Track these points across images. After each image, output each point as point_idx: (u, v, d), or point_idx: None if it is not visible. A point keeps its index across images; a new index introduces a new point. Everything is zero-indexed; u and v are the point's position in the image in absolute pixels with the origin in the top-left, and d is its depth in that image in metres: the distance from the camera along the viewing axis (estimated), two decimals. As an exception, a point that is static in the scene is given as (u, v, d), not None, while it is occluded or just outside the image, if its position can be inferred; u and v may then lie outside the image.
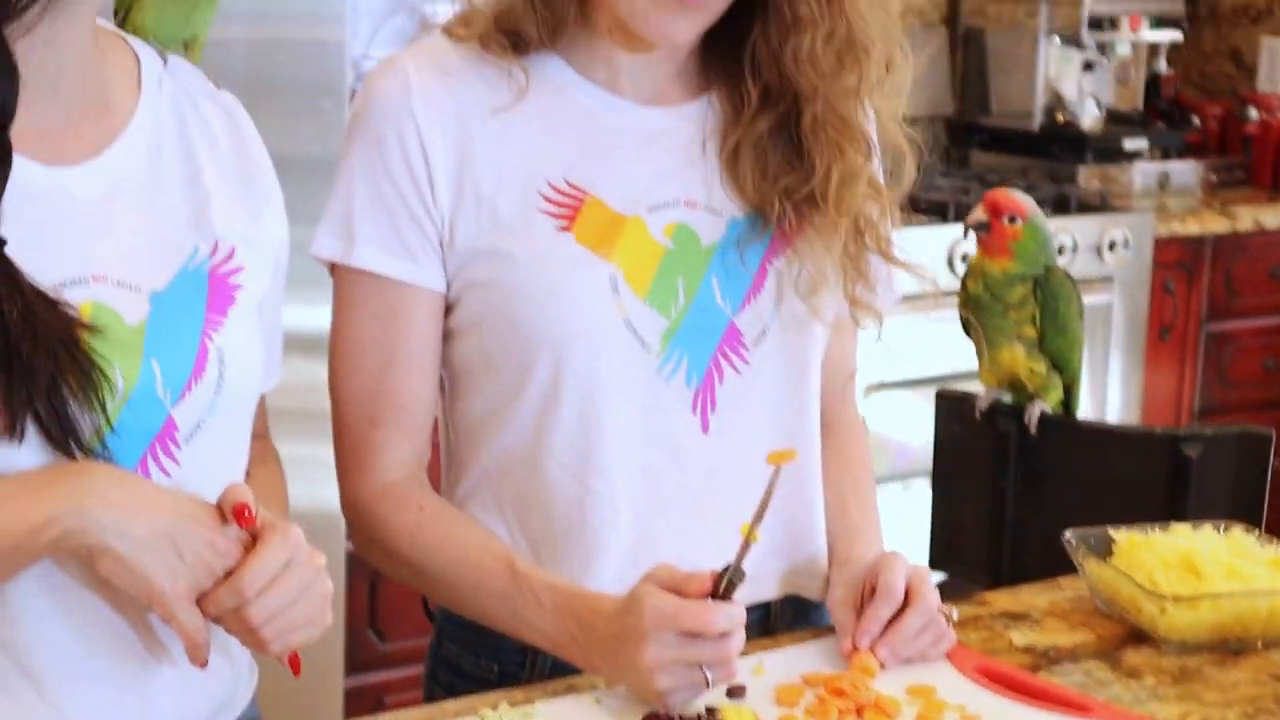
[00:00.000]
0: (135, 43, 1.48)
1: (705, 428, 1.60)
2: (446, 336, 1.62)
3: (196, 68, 1.51)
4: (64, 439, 1.28)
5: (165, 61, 1.47)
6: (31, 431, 1.27)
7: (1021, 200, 2.07)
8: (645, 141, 1.61)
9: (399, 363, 1.60)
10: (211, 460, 1.40)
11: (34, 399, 1.26)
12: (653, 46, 1.59)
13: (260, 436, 1.57)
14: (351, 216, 1.58)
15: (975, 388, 2.19)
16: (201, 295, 1.40)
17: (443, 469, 1.70)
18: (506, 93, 1.59)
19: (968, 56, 4.61)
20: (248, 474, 1.50)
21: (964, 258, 3.53)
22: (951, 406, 2.25)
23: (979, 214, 2.09)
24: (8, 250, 1.28)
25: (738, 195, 1.62)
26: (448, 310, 1.61)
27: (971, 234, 2.09)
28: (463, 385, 1.63)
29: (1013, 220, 2.06)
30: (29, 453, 1.28)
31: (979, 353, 2.12)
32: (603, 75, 1.62)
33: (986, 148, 4.53)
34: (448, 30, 1.63)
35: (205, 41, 1.55)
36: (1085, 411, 4.03)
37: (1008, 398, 2.16)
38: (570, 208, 1.58)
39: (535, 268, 1.55)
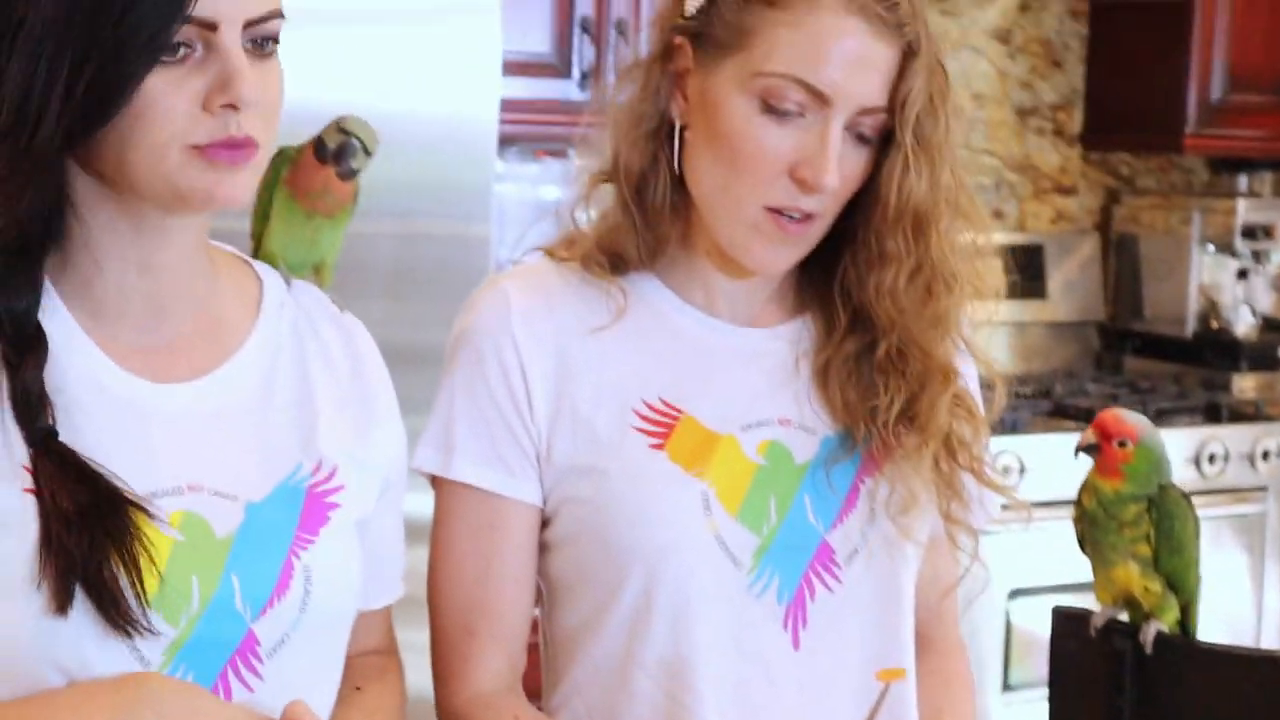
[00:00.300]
0: (261, 268, 1.54)
1: (796, 644, 1.61)
2: (543, 549, 1.65)
3: (323, 291, 1.58)
4: (113, 613, 1.30)
5: (289, 285, 1.54)
6: (80, 608, 1.30)
7: (1132, 423, 2.07)
8: (740, 361, 1.65)
9: (495, 574, 1.63)
10: (297, 677, 1.42)
11: (74, 574, 1.29)
12: (751, 273, 1.63)
13: (383, 652, 1.61)
14: (451, 431, 1.63)
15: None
16: (296, 511, 1.43)
17: (542, 679, 1.73)
18: (605, 313, 1.64)
19: (1121, 262, 4.61)
20: (358, 689, 1.53)
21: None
22: (1067, 622, 2.23)
23: (1089, 437, 2.08)
24: (104, 457, 1.34)
25: (829, 414, 1.65)
26: (545, 524, 1.64)
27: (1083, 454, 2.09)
28: (558, 597, 1.66)
29: (1123, 444, 2.05)
30: (81, 626, 1.31)
31: (1094, 569, 2.10)
32: (700, 297, 1.66)
33: (1139, 353, 4.51)
34: (550, 252, 1.69)
35: (334, 265, 1.62)
36: (1243, 623, 3.97)
37: (1124, 615, 2.13)
38: (665, 426, 1.61)
39: (628, 485, 1.59)
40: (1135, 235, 4.60)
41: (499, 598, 1.64)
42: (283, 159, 1.58)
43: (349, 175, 1.59)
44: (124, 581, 1.31)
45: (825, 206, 1.59)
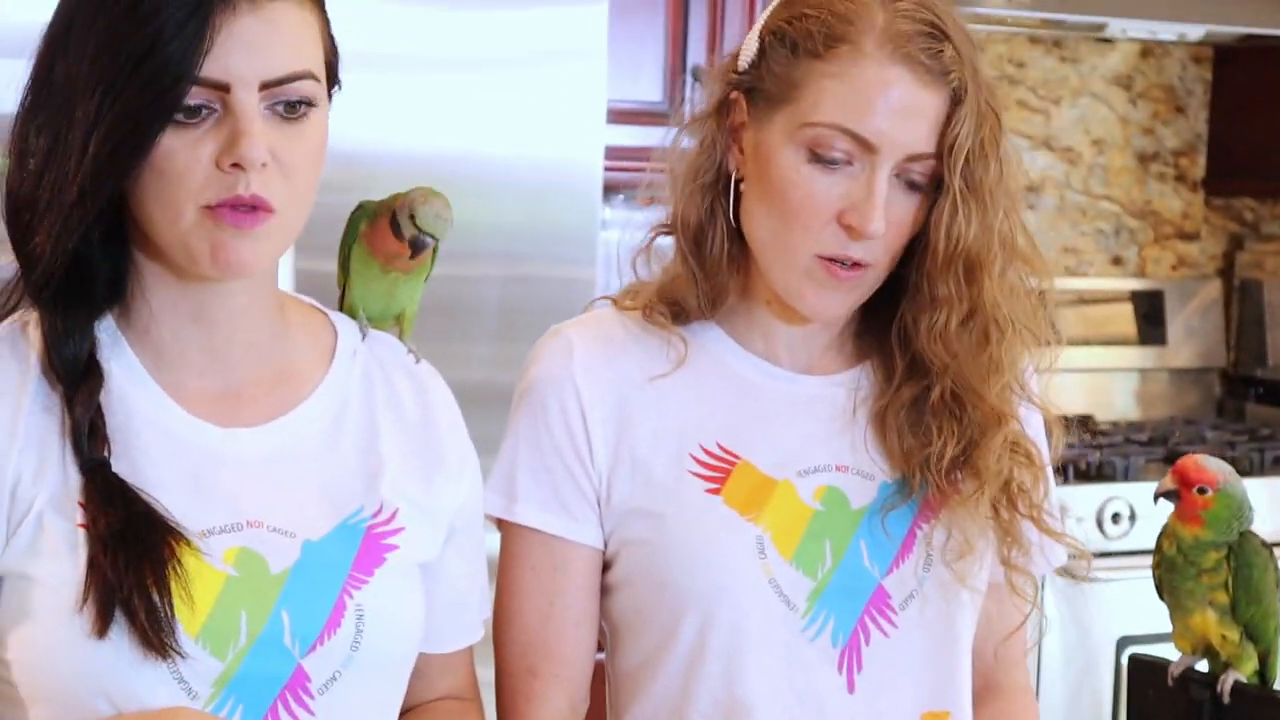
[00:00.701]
0: (337, 318, 1.60)
1: (851, 688, 1.64)
2: (605, 591, 1.69)
3: (399, 342, 1.63)
4: (151, 638, 1.35)
5: (364, 335, 1.59)
6: (119, 631, 1.35)
7: (1213, 469, 2.06)
8: (798, 407, 1.68)
9: (557, 615, 1.67)
10: (349, 715, 1.46)
11: (116, 597, 1.35)
12: (808, 320, 1.66)
13: (463, 697, 1.65)
14: (515, 475, 1.67)
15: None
16: (352, 551, 1.48)
17: (606, 718, 1.76)
18: (665, 361, 1.68)
19: (1244, 308, 4.57)
20: None
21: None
22: (1145, 671, 2.23)
23: (1168, 483, 2.08)
24: (161, 494, 1.41)
25: (886, 460, 1.67)
26: (606, 566, 1.68)
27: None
28: (619, 638, 1.70)
29: (1203, 491, 2.05)
30: (120, 651, 1.36)
31: (1171, 617, 2.10)
32: (760, 344, 1.70)
33: (1262, 400, 4.46)
34: (616, 301, 1.74)
35: (414, 315, 1.67)
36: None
37: (1203, 664, 2.13)
38: (721, 471, 1.65)
39: (684, 528, 1.62)
40: (1259, 281, 4.56)
41: (560, 638, 1.68)
42: (362, 213, 1.63)
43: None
44: (159, 604, 1.36)
45: (876, 254, 1.61)
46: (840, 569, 1.63)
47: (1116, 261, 4.47)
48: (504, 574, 1.71)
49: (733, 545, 1.62)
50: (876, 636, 1.64)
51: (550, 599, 1.68)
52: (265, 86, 1.38)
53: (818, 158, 1.58)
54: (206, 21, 1.34)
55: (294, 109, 1.40)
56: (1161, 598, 2.12)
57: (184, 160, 1.36)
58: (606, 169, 3.03)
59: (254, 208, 1.38)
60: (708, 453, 1.65)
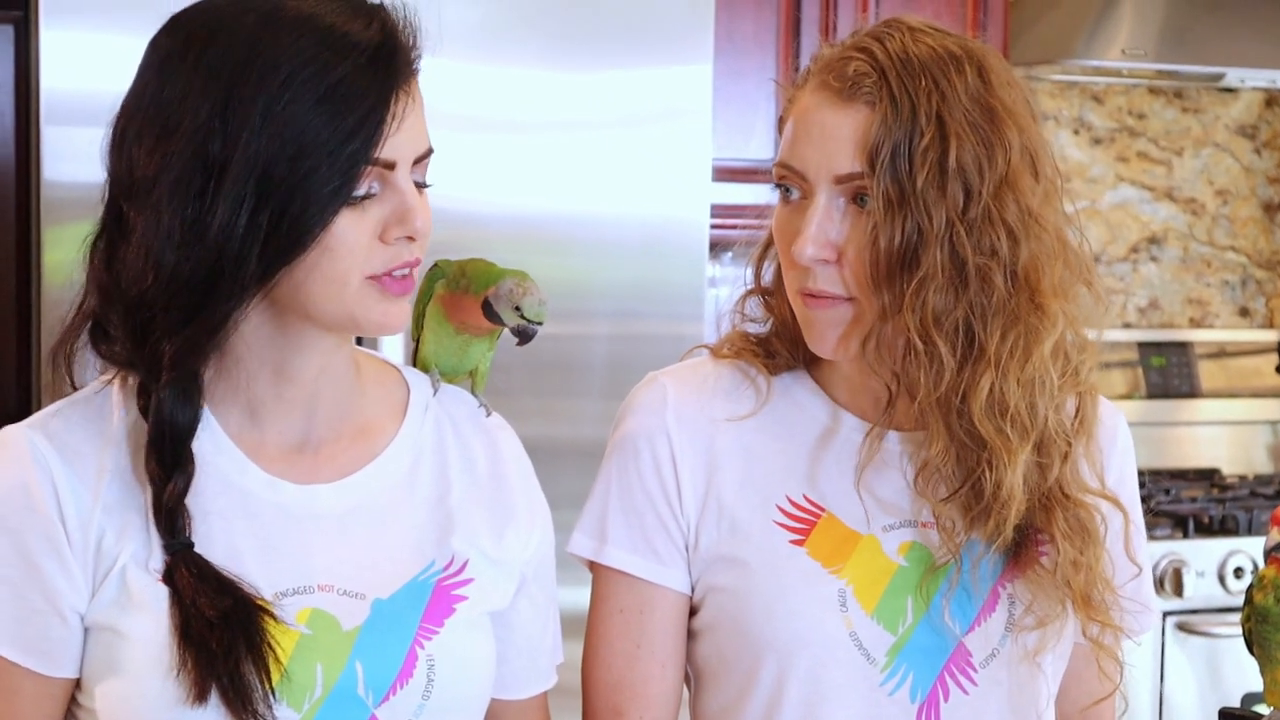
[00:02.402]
0: (411, 375, 1.64)
1: None
2: (690, 636, 1.70)
3: (470, 396, 1.66)
4: (240, 708, 1.40)
5: (436, 391, 1.63)
6: (214, 699, 1.40)
7: (1318, 512, 2.04)
8: (883, 462, 1.68)
9: (643, 655, 1.69)
10: None
11: (213, 673, 1.40)
12: (884, 378, 1.64)
13: None
14: (606, 518, 1.69)
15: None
16: (422, 605, 1.51)
17: (693, 763, 1.78)
18: (755, 408, 1.70)
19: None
20: None
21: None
22: (1241, 727, 2.21)
23: (1275, 536, 2.06)
24: (237, 558, 1.45)
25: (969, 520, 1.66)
26: (692, 612, 1.70)
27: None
28: (701, 683, 1.71)
29: (1314, 541, 2.03)
30: (211, 713, 1.40)
31: (1261, 670, 2.07)
32: (846, 398, 1.70)
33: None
34: (713, 350, 1.76)
35: (487, 372, 1.71)
36: None
37: (1301, 721, 2.10)
38: (806, 524, 1.66)
39: (767, 578, 1.63)
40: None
41: (647, 680, 1.69)
42: (438, 273, 1.67)
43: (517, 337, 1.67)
44: (254, 680, 1.41)
45: (845, 283, 1.59)
46: (921, 625, 1.63)
47: (1244, 313, 4.42)
48: (593, 615, 1.73)
49: (815, 597, 1.63)
50: (956, 694, 1.64)
51: (637, 641, 1.69)
52: (416, 161, 1.47)
53: (783, 196, 1.62)
54: (390, 109, 1.42)
55: (421, 188, 1.48)
56: (1251, 651, 2.09)
57: (354, 236, 1.42)
58: (714, 226, 3.06)
59: (410, 272, 1.47)
60: (793, 504, 1.67)
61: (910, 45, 1.58)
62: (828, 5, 3.49)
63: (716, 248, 3.08)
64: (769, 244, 1.70)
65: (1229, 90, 4.31)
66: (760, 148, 3.43)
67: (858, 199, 1.58)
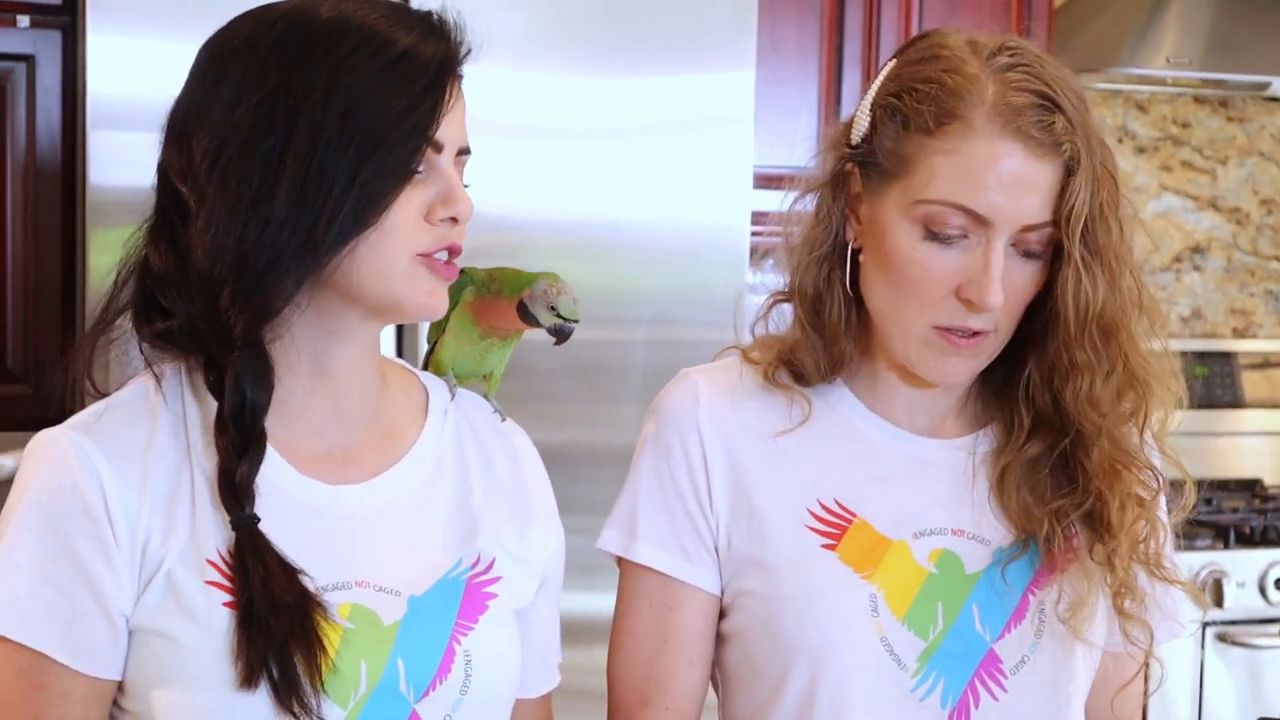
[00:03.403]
0: (427, 379, 1.66)
1: None
2: (720, 640, 1.71)
3: (485, 401, 1.69)
4: (289, 697, 1.41)
5: (453, 395, 1.66)
6: (264, 685, 1.41)
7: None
8: (917, 469, 1.69)
9: (670, 652, 1.70)
10: None
11: (268, 656, 1.41)
12: (930, 384, 1.68)
13: None
14: (636, 515, 1.71)
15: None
16: (456, 601, 1.53)
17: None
18: (788, 419, 1.70)
19: None
20: None
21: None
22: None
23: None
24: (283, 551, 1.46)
25: (1005, 521, 1.67)
26: (721, 614, 1.71)
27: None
28: (731, 687, 1.72)
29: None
30: (259, 704, 1.42)
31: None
32: (881, 406, 1.71)
33: None
34: (745, 353, 1.76)
35: (501, 376, 1.73)
36: None
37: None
38: (838, 528, 1.66)
39: (798, 582, 1.64)
40: None
41: (674, 674, 1.70)
42: (465, 280, 1.68)
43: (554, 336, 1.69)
44: (303, 672, 1.42)
45: (997, 322, 1.62)
46: (952, 632, 1.64)
47: (1287, 322, 4.40)
48: (620, 609, 1.74)
49: (846, 602, 1.63)
50: (986, 700, 1.65)
51: (664, 636, 1.70)
52: (460, 152, 1.51)
53: (933, 234, 1.59)
54: (446, 88, 1.47)
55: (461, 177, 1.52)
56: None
57: (404, 214, 1.46)
58: (754, 234, 3.06)
59: (453, 257, 1.50)
60: (825, 508, 1.67)
61: (1076, 93, 1.61)
62: (871, 12, 3.49)
63: (757, 254, 3.08)
64: (801, 250, 1.70)
65: (1274, 100, 4.29)
66: (803, 155, 3.41)
67: (1019, 245, 1.60)
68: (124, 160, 2.71)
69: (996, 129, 1.57)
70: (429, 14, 1.51)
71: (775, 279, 3.21)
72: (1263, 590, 3.62)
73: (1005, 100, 1.58)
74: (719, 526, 1.69)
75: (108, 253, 2.75)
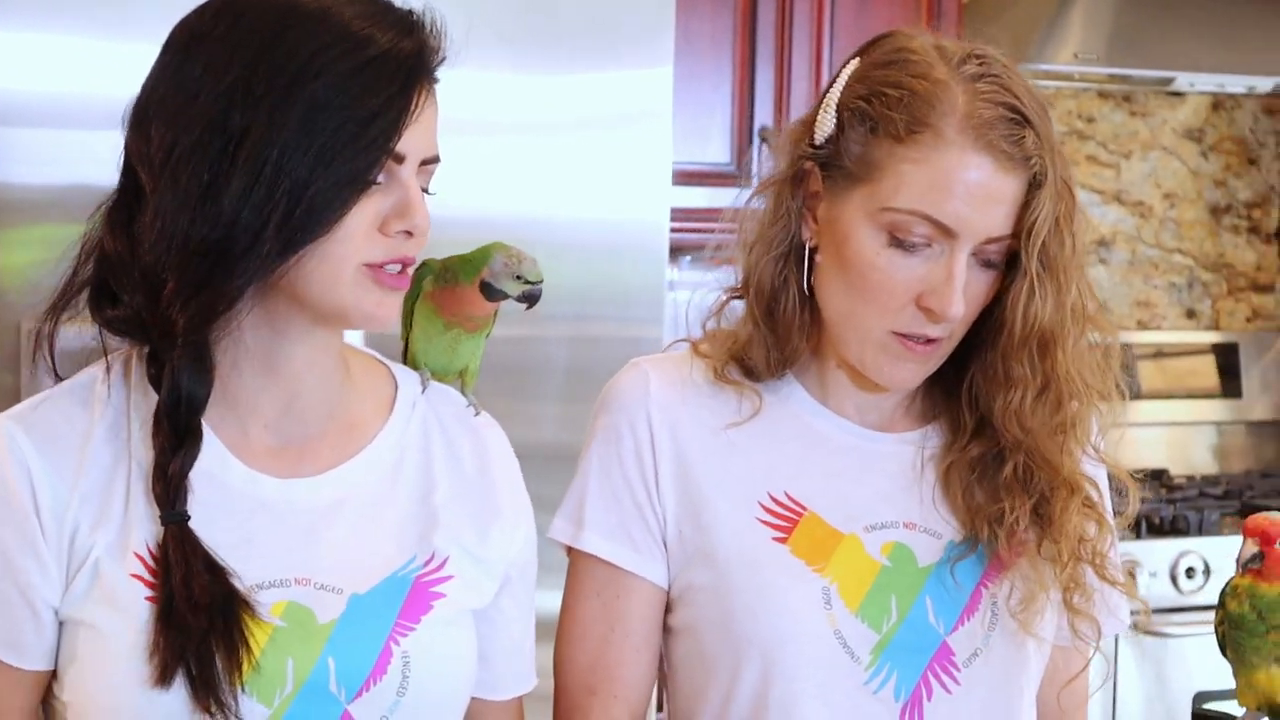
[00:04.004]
0: (398, 370, 1.63)
1: None
2: (666, 633, 1.71)
3: (459, 395, 1.66)
4: (205, 696, 1.40)
5: (425, 388, 1.63)
6: (180, 682, 1.40)
7: (1288, 518, 2.06)
8: (867, 464, 1.69)
9: (616, 640, 1.69)
10: None
11: (185, 654, 1.39)
12: (881, 388, 1.68)
13: None
14: (584, 503, 1.70)
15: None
16: (399, 601, 1.51)
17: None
18: (738, 413, 1.69)
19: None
20: None
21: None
22: (1213, 727, 2.22)
23: (1251, 548, 2.07)
24: (221, 549, 1.44)
25: (954, 518, 1.68)
26: (669, 608, 1.70)
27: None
28: (679, 681, 1.72)
29: (1285, 542, 2.04)
30: (175, 701, 1.40)
31: (1235, 673, 2.09)
32: (833, 401, 1.71)
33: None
34: (695, 346, 1.75)
35: (477, 371, 1.71)
36: None
37: (1268, 720, 2.12)
38: (788, 521, 1.66)
39: (749, 574, 1.63)
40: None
41: (621, 662, 1.69)
42: (426, 271, 1.67)
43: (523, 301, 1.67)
44: (221, 670, 1.40)
45: (953, 330, 1.63)
46: (905, 624, 1.64)
47: (1190, 315, 4.45)
48: (568, 598, 1.73)
49: (798, 594, 1.63)
50: (939, 693, 1.65)
51: (611, 625, 1.70)
52: (424, 163, 1.48)
53: (898, 241, 1.59)
54: (413, 98, 1.43)
55: (426, 189, 1.49)
56: (1224, 655, 2.11)
57: (354, 223, 1.42)
58: (673, 230, 3.05)
59: (404, 268, 1.47)
60: (776, 501, 1.67)
61: (1041, 105, 1.60)
62: (783, 8, 3.49)
63: (675, 251, 3.07)
64: (757, 247, 1.69)
65: (1176, 94, 4.34)
66: (718, 151, 3.43)
67: (979, 255, 1.59)
68: (29, 158, 2.64)
69: (968, 140, 1.56)
70: (409, 14, 1.47)
71: (695, 275, 3.20)
72: (1174, 579, 3.66)
73: (976, 112, 1.57)
74: (666, 518, 1.68)
75: (15, 251, 2.69)
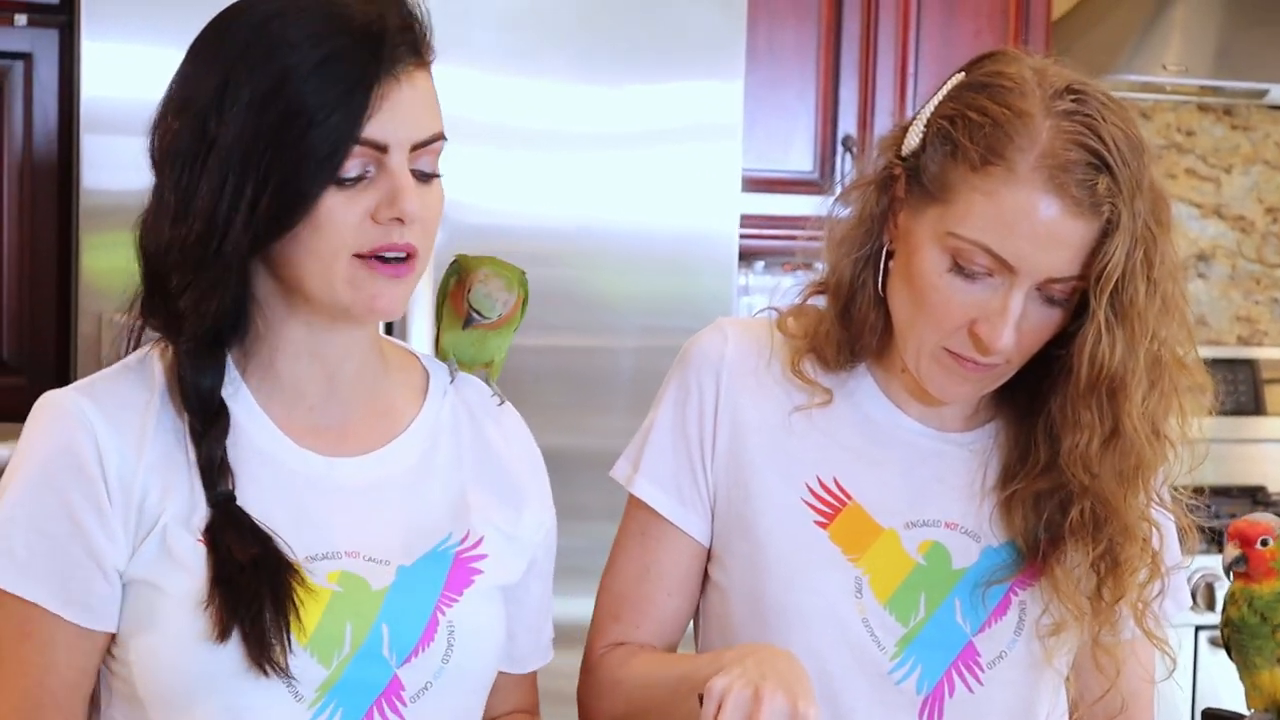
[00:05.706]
0: (429, 362, 1.69)
1: None
2: (706, 580, 1.75)
3: (484, 385, 1.71)
4: (258, 653, 1.45)
5: (453, 379, 1.68)
6: (235, 639, 1.45)
7: (1267, 521, 2.05)
8: (918, 460, 1.71)
9: (650, 580, 1.75)
10: None
11: (239, 610, 1.45)
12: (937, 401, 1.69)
13: (527, 710, 1.73)
14: (644, 449, 1.74)
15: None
16: (443, 574, 1.57)
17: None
18: (804, 400, 1.71)
19: None
20: None
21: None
22: (1220, 726, 2.21)
23: (1232, 550, 2.07)
24: (273, 523, 1.51)
25: (1000, 527, 1.68)
26: (710, 560, 1.74)
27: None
28: (709, 633, 1.76)
29: (1265, 543, 2.04)
30: (230, 658, 1.46)
31: (1240, 675, 2.09)
32: (897, 398, 1.72)
33: None
34: (781, 318, 1.77)
35: (502, 363, 1.75)
36: None
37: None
38: (832, 508, 1.69)
39: (786, 552, 1.67)
40: None
41: (649, 599, 1.75)
42: (454, 269, 1.72)
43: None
44: (272, 631, 1.46)
45: (1008, 355, 1.62)
46: (931, 621, 1.66)
47: (1294, 329, 4.40)
48: (620, 530, 1.78)
49: (832, 580, 1.66)
50: (961, 690, 1.66)
51: (647, 565, 1.75)
52: (415, 148, 1.50)
53: (959, 267, 1.59)
54: (370, 91, 1.46)
55: (425, 178, 1.51)
56: (1230, 658, 2.11)
57: (342, 215, 1.47)
58: (746, 236, 3.07)
59: (407, 256, 1.50)
60: (824, 486, 1.69)
61: (1132, 147, 1.57)
62: (868, 18, 3.50)
63: (748, 257, 3.09)
64: (842, 246, 1.70)
65: (1276, 108, 4.29)
66: (800, 159, 3.45)
67: (1043, 291, 1.59)
68: (118, 164, 2.73)
69: (1040, 179, 1.55)
70: (375, 6, 1.50)
71: (768, 280, 3.21)
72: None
73: (1054, 151, 1.55)
74: (717, 480, 1.72)
75: (101, 256, 2.78)
